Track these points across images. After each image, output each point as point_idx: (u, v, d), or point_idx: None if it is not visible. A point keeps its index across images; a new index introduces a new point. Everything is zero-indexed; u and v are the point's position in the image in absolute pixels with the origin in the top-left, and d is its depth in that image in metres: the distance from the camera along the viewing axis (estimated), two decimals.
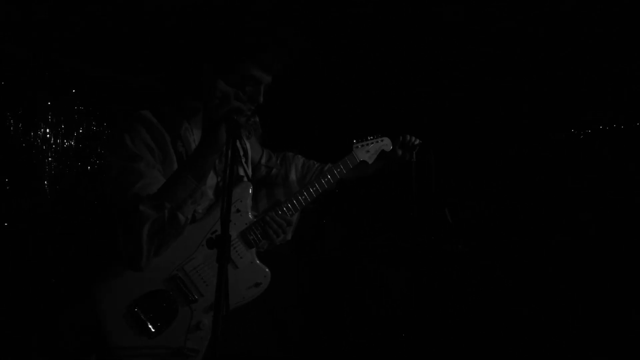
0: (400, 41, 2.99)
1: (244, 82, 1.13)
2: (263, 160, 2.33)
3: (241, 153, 1.38)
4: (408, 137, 2.04)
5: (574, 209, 2.77)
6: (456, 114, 3.15)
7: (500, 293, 2.66)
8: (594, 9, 2.41)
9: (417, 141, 2.01)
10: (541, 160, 3.04)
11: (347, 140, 2.20)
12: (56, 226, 2.39)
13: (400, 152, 1.95)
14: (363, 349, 2.40)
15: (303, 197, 1.40)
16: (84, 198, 2.54)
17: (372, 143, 1.69)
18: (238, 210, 1.22)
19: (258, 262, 1.26)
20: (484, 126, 3.10)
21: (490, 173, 3.09)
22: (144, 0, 2.38)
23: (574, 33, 2.64)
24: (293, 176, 2.30)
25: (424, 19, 2.62)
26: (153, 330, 1.08)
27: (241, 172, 1.33)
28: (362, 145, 1.67)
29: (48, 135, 2.40)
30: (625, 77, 2.75)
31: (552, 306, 2.56)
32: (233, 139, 0.88)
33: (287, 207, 1.34)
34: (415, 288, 2.55)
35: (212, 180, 1.21)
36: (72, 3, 2.22)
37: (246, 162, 1.41)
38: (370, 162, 1.66)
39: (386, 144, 1.74)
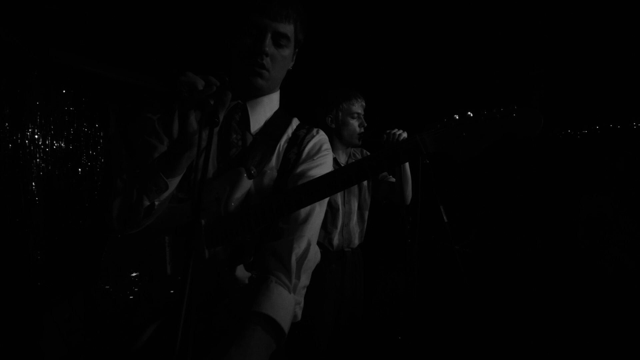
0: (398, 38, 2.96)
1: (247, 35, 1.06)
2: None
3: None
4: (393, 131, 1.97)
5: (576, 208, 2.73)
6: (455, 108, 3.10)
7: (501, 293, 2.62)
8: (593, 9, 2.38)
9: (403, 135, 1.95)
10: (544, 159, 2.99)
11: None
12: (45, 227, 2.34)
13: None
14: (362, 348, 2.35)
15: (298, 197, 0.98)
16: (74, 199, 2.50)
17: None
18: (217, 199, 1.04)
19: (213, 266, 1.04)
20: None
21: (492, 172, 3.05)
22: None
23: (573, 33, 2.61)
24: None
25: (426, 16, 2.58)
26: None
27: (268, 169, 1.11)
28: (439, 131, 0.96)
29: (37, 136, 2.36)
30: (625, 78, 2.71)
31: (551, 306, 2.51)
32: (209, 127, 0.80)
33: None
34: (417, 286, 2.50)
35: (211, 155, 1.10)
36: None
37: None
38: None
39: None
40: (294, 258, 1.00)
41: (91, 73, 2.69)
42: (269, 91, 1.17)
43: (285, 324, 0.93)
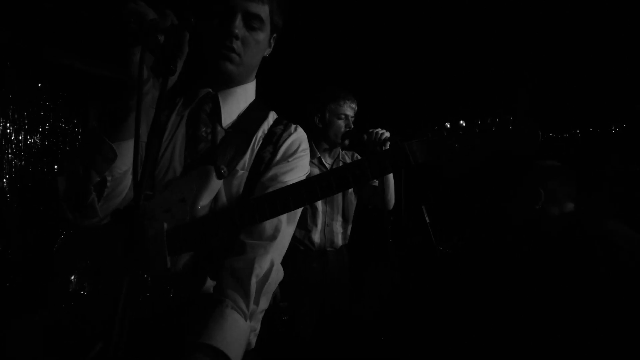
0: (387, 38, 2.94)
1: (216, 15, 0.96)
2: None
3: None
4: (375, 130, 1.94)
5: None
6: (442, 107, 3.09)
7: (490, 293, 2.61)
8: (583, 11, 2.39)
9: (385, 134, 1.92)
10: (527, 161, 3.00)
11: None
12: (17, 225, 2.26)
13: (370, 147, 1.87)
14: (347, 346, 2.33)
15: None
16: (50, 197, 2.42)
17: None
18: (182, 200, 0.93)
19: (176, 276, 0.91)
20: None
21: (485, 170, 3.04)
22: None
23: (560, 35, 2.62)
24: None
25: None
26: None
27: (241, 169, 1.01)
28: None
29: (9, 131, 2.28)
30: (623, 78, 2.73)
31: (543, 307, 2.51)
32: (162, 75, 0.69)
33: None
34: (406, 288, 2.49)
35: (178, 149, 0.99)
36: None
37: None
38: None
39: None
40: (254, 280, 0.90)
41: (71, 67, 2.60)
42: (242, 79, 1.07)
43: (237, 359, 0.84)
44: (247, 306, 0.89)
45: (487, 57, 2.90)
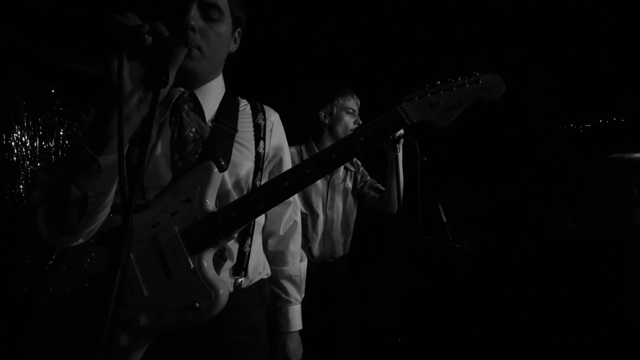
0: (390, 32, 2.88)
1: (170, 7, 0.92)
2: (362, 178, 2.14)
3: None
4: None
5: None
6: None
7: (504, 292, 2.55)
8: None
9: (400, 131, 1.87)
10: (545, 152, 2.92)
11: None
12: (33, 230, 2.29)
13: (384, 145, 1.81)
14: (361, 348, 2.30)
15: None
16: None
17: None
18: (188, 200, 0.92)
19: (203, 275, 0.89)
20: (482, 120, 2.99)
21: (491, 168, 2.98)
22: None
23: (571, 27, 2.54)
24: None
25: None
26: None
27: (246, 160, 1.04)
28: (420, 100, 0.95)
29: (25, 138, 2.31)
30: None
31: (554, 305, 2.45)
32: (155, 87, 0.68)
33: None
34: (416, 286, 2.44)
35: (164, 154, 0.96)
36: None
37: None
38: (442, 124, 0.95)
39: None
40: (303, 277, 1.32)
41: (83, 72, 2.62)
42: (208, 76, 1.03)
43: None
44: (301, 296, 1.32)
45: (496, 52, 2.81)
